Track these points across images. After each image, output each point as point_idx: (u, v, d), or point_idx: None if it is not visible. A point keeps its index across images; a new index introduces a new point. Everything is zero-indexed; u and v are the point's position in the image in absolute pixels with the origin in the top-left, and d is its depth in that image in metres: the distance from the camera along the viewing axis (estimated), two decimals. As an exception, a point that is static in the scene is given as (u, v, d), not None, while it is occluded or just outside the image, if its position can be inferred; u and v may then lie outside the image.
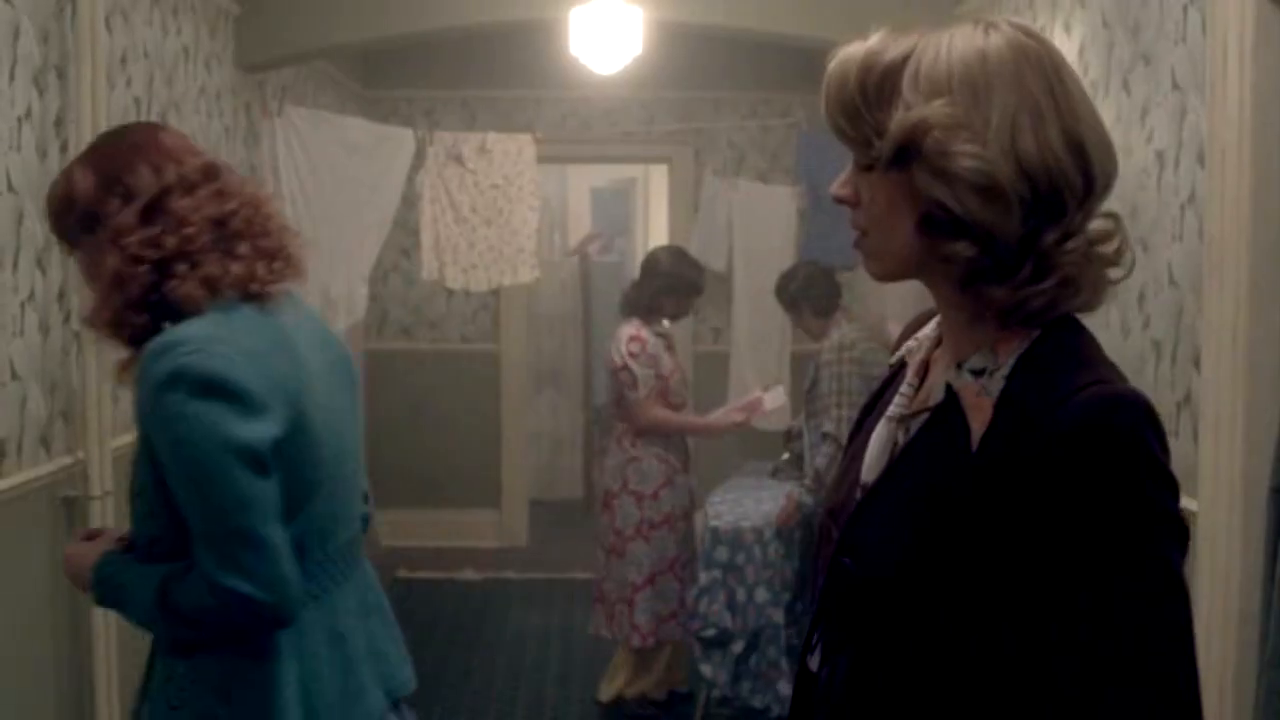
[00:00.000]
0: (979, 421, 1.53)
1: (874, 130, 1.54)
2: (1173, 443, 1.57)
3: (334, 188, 6.33)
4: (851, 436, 1.84)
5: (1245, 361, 3.19)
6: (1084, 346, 1.57)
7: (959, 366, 1.59)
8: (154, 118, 4.89)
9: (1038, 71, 1.52)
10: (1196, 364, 3.41)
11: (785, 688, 5.11)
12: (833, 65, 1.58)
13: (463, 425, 9.03)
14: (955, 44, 1.53)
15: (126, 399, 4.56)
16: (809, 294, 5.68)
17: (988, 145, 1.48)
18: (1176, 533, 1.43)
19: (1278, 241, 3.13)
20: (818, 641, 1.72)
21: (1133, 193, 3.86)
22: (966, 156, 1.48)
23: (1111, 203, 4.05)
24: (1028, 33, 1.56)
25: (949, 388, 1.59)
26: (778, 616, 5.16)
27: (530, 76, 8.53)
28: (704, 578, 5.20)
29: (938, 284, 1.62)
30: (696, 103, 8.82)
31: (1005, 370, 1.54)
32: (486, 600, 7.78)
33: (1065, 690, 1.41)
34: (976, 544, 1.47)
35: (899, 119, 1.51)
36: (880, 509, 1.61)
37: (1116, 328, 3.87)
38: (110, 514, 4.26)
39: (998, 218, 1.49)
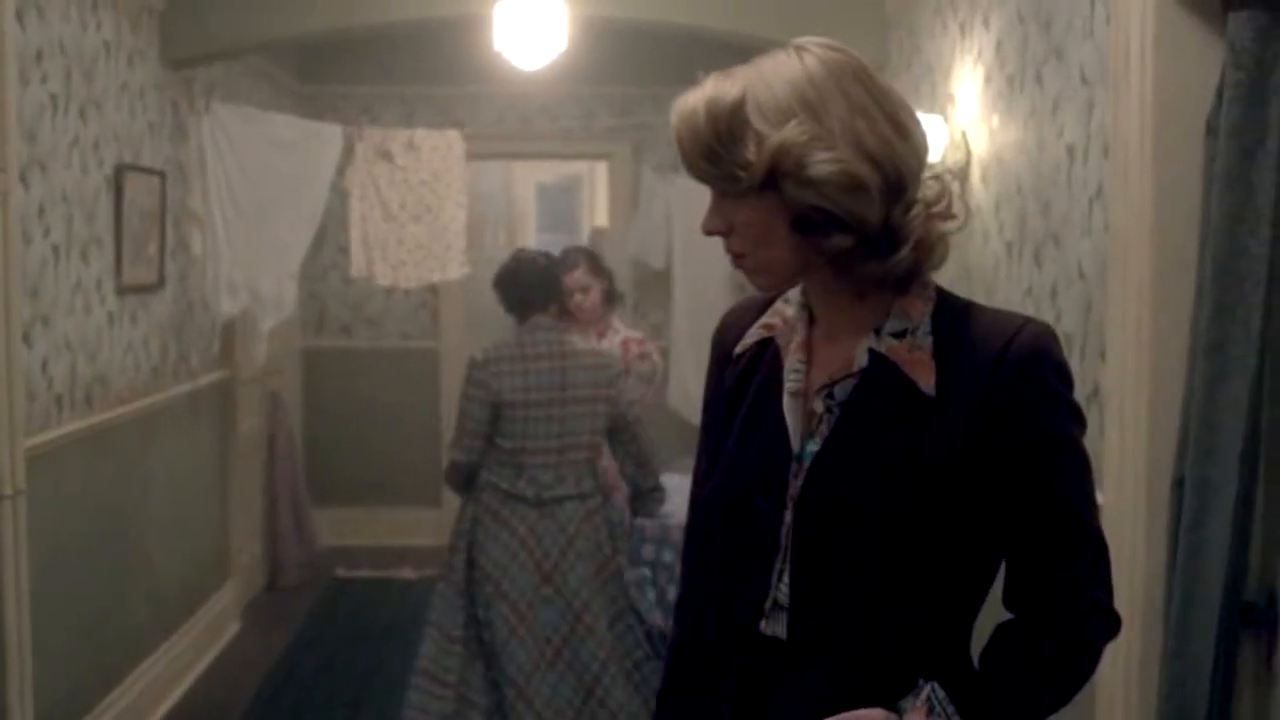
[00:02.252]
0: (924, 371, 1.80)
1: (736, 164, 1.76)
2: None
3: (262, 185, 6.30)
4: (714, 424, 2.04)
5: (1148, 355, 3.20)
6: (968, 301, 1.89)
7: (877, 333, 1.83)
8: (72, 114, 4.86)
9: (852, 78, 1.78)
10: (1104, 357, 3.42)
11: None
12: (676, 120, 1.81)
13: (402, 423, 8.99)
14: (780, 73, 1.77)
15: (42, 398, 4.53)
16: (502, 287, 4.97)
17: (839, 149, 1.73)
18: (1084, 421, 1.85)
19: (1180, 236, 3.13)
20: (774, 606, 1.85)
21: (1045, 187, 3.87)
22: (827, 163, 1.72)
23: (1026, 198, 4.08)
24: (832, 47, 1.80)
25: (873, 352, 1.83)
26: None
27: (469, 72, 8.48)
28: (630, 574, 5.17)
29: (819, 276, 1.86)
30: (636, 99, 8.80)
31: (925, 328, 1.83)
32: (424, 598, 7.71)
33: (1052, 534, 1.81)
34: (957, 463, 1.78)
35: (760, 147, 1.74)
36: (851, 464, 1.82)
37: (1031, 322, 3.87)
38: (22, 514, 4.22)
39: (864, 207, 1.75)
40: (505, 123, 8.85)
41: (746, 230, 1.81)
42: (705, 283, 8.32)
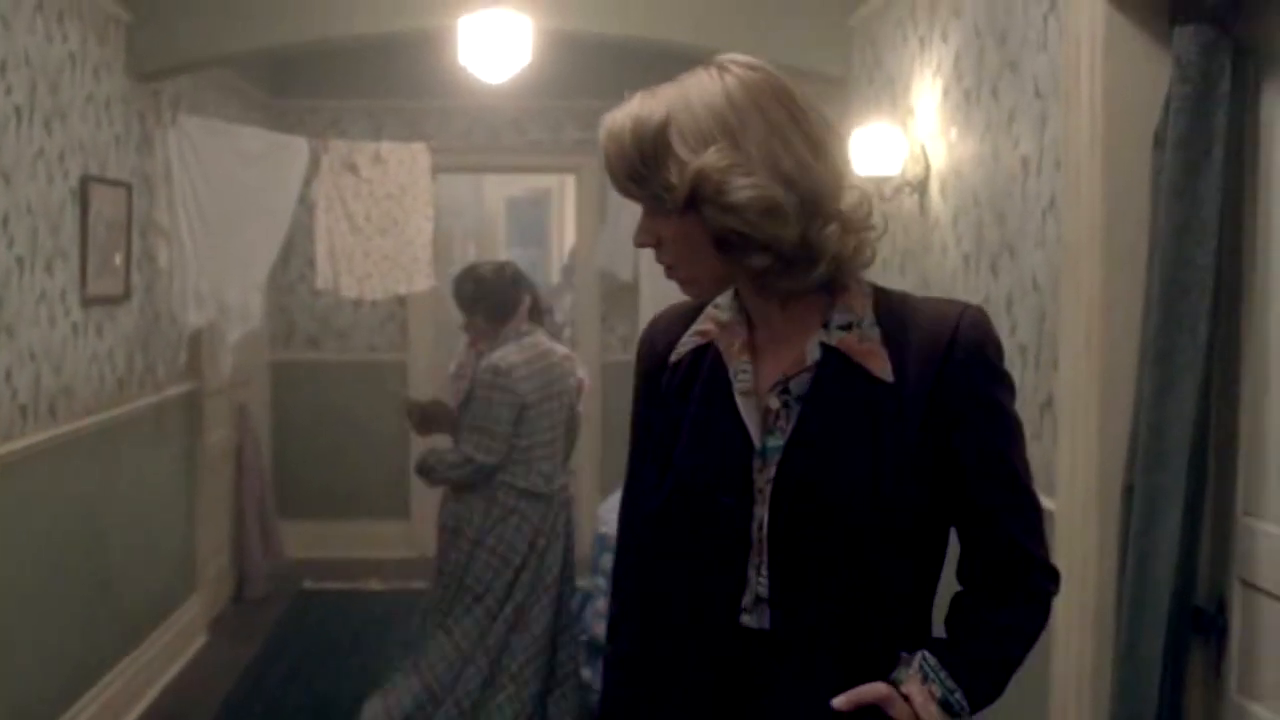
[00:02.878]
0: (878, 359, 1.89)
1: (661, 186, 1.84)
2: (1035, 446, 1.99)
3: (228, 196, 6.32)
4: (652, 433, 2.05)
5: (1099, 364, 3.24)
6: (903, 292, 2.01)
7: (825, 327, 1.91)
8: (37, 125, 4.87)
9: (771, 99, 1.85)
10: (1056, 367, 3.46)
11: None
12: (604, 138, 1.88)
13: (371, 436, 8.99)
14: (701, 95, 1.84)
15: (6, 408, 4.54)
16: (486, 296, 5.23)
17: (757, 174, 1.81)
18: (1015, 389, 1.99)
19: (1129, 246, 3.18)
20: (755, 600, 1.90)
21: (1000, 199, 3.91)
22: (744, 189, 1.80)
23: (983, 209, 4.13)
24: (752, 66, 1.88)
25: (824, 345, 1.90)
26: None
27: (437, 86, 8.49)
28: (587, 584, 5.21)
29: (745, 286, 1.96)
30: (604, 112, 8.79)
31: (870, 320, 1.92)
32: (392, 610, 7.75)
33: (996, 495, 1.93)
34: (918, 443, 1.88)
35: (681, 173, 1.82)
36: (820, 453, 1.88)
37: (988, 332, 3.92)
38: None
39: (781, 229, 1.83)
40: (473, 136, 8.87)
41: (674, 245, 1.90)
42: (672, 295, 8.30)
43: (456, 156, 8.57)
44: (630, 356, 7.07)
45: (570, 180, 11.31)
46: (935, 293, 4.50)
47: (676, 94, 1.86)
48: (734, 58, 1.89)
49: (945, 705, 1.87)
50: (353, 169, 6.93)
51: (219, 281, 6.31)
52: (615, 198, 8.58)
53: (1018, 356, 3.72)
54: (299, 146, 6.82)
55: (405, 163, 7.03)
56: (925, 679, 1.87)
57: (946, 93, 4.50)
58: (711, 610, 1.93)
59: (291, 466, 8.92)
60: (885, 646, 1.91)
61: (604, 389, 8.89)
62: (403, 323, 9.08)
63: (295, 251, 8.27)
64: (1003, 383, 1.95)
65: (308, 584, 8.26)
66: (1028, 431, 2.06)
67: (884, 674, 1.89)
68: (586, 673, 5.19)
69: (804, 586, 1.89)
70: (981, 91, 4.12)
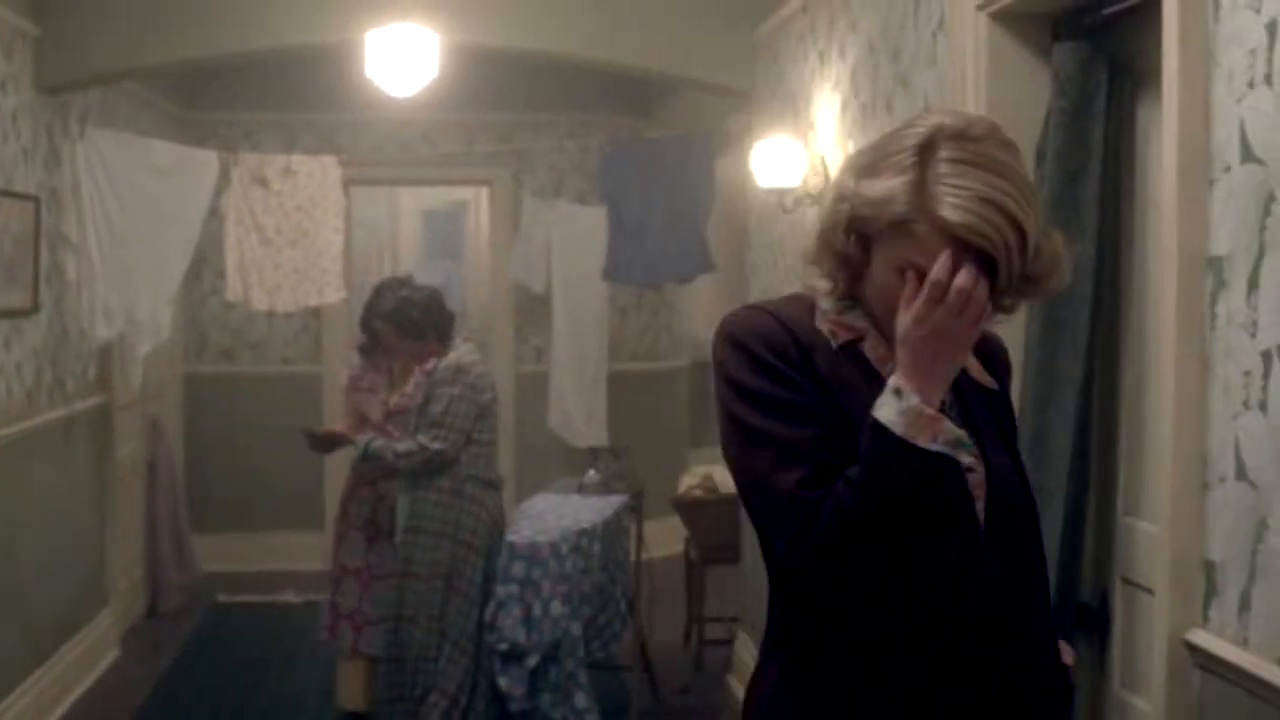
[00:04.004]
0: (980, 370, 2.09)
1: (1032, 271, 1.91)
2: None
3: (137, 210, 6.31)
4: (823, 411, 1.98)
5: (986, 370, 3.33)
6: None
7: None
8: (-59, 139, 4.86)
9: None
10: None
11: (583, 699, 5.19)
12: (996, 250, 1.84)
13: (285, 448, 8.95)
14: (1022, 179, 1.88)
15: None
16: (434, 320, 5.52)
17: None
18: None
19: (1014, 255, 3.28)
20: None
21: (895, 210, 4.01)
22: None
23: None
24: (995, 125, 1.93)
25: None
26: (576, 629, 5.24)
27: (350, 99, 8.45)
28: (500, 592, 5.25)
29: None
30: (516, 125, 8.89)
31: None
32: (305, 622, 7.73)
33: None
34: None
35: (1050, 253, 1.92)
36: (999, 452, 2.06)
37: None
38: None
39: None
40: (386, 149, 8.89)
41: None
42: (584, 307, 8.42)
43: (369, 169, 8.61)
44: (543, 367, 7.21)
45: (485, 192, 11.37)
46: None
47: (1009, 187, 1.86)
48: (989, 121, 1.93)
49: None
50: (263, 182, 6.94)
51: (128, 295, 6.30)
52: (529, 210, 8.69)
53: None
54: (208, 160, 6.82)
55: (315, 175, 7.05)
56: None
57: (845, 106, 4.59)
58: (954, 592, 1.97)
59: (205, 479, 8.89)
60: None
61: (518, 400, 8.94)
62: (317, 335, 9.09)
63: (207, 264, 8.25)
64: None
65: (222, 597, 8.24)
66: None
67: (1051, 641, 2.10)
68: (503, 681, 5.23)
69: (1013, 573, 2.02)
70: (877, 105, 4.22)
